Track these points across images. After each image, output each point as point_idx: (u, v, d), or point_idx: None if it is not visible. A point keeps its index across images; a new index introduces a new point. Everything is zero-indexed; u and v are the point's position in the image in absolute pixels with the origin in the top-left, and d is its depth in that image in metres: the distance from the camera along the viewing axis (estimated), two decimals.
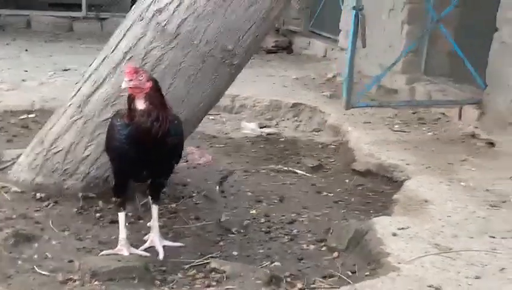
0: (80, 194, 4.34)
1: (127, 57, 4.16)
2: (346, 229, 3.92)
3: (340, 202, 4.69)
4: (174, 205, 4.46)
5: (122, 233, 3.77)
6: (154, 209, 3.88)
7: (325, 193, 4.84)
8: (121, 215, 3.80)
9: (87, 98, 4.28)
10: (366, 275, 3.52)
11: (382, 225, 3.86)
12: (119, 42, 4.22)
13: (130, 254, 3.66)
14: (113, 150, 3.61)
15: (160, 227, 3.97)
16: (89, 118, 4.27)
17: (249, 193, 4.78)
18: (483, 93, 5.86)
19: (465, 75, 6.25)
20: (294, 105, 6.86)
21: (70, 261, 3.58)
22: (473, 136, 5.71)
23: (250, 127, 6.32)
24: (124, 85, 3.37)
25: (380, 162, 5.09)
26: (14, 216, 4.04)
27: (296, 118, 6.75)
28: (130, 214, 4.23)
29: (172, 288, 3.37)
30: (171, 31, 4.04)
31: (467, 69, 5.99)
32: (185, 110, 4.22)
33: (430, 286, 3.18)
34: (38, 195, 4.35)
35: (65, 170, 4.33)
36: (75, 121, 4.30)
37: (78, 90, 4.35)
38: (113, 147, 3.60)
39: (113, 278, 3.29)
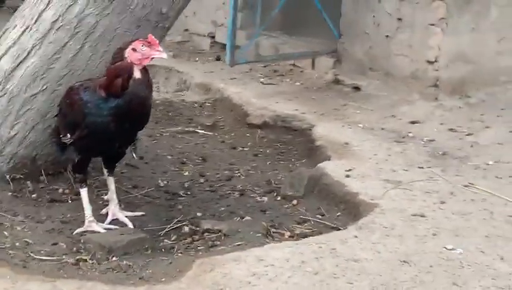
0: (7, 176, 4.06)
1: (56, 27, 3.95)
2: (298, 177, 4.16)
3: (259, 155, 4.90)
4: (104, 177, 4.34)
5: (88, 210, 3.67)
6: (111, 181, 3.81)
7: (240, 148, 5.01)
8: (84, 192, 3.69)
9: (9, 74, 3.99)
10: (338, 216, 3.82)
11: (331, 169, 4.16)
12: (42, 12, 3.97)
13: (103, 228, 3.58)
14: (88, 126, 3.46)
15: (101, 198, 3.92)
16: (14, 94, 4.00)
17: (169, 157, 4.80)
18: (338, 42, 6.35)
19: (299, 29, 6.68)
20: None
21: (55, 243, 3.42)
22: (337, 82, 6.19)
23: None
24: (164, 56, 3.36)
25: (276, 114, 5.36)
26: None
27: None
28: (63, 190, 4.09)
29: (180, 253, 3.37)
30: None
31: (302, 22, 6.39)
32: None
33: (414, 215, 3.56)
34: None
35: None
36: None
37: None
38: (87, 123, 3.46)
39: (128, 251, 3.24)
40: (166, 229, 3.69)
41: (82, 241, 3.34)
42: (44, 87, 3.99)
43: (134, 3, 3.97)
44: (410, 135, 4.98)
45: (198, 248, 3.45)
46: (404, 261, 3.03)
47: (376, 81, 5.97)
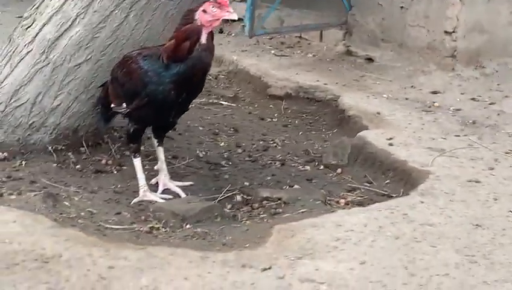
0: (50, 147, 4.01)
1: None
2: (341, 146, 4.19)
3: (289, 126, 4.93)
4: (144, 149, 4.31)
5: (142, 180, 3.65)
6: (161, 151, 3.81)
7: (268, 119, 5.01)
8: (138, 162, 3.67)
9: (53, 43, 3.92)
10: (387, 183, 3.87)
11: (373, 138, 4.20)
12: None
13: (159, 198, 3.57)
14: (148, 95, 3.43)
15: (148, 170, 3.89)
16: (58, 64, 3.93)
17: (200, 128, 4.79)
18: (349, 14, 6.37)
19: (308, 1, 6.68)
20: None
21: (118, 213, 3.40)
22: (350, 54, 6.23)
23: None
24: (235, 16, 3.33)
25: (299, 85, 5.37)
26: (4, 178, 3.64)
27: None
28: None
29: (246, 221, 3.38)
30: None
31: None
32: None
33: (469, 181, 3.62)
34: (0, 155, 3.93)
35: (31, 124, 3.95)
36: (40, 69, 3.92)
37: (36, 34, 3.94)
38: (148, 92, 3.42)
39: (200, 219, 3.24)
40: (220, 198, 3.69)
41: (151, 209, 3.32)
42: (89, 57, 3.93)
43: None
44: (436, 104, 5.05)
45: (261, 215, 3.46)
46: (477, 225, 3.09)
47: (390, 52, 6.02)
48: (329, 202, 3.61)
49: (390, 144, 4.12)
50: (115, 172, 3.96)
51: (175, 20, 4.04)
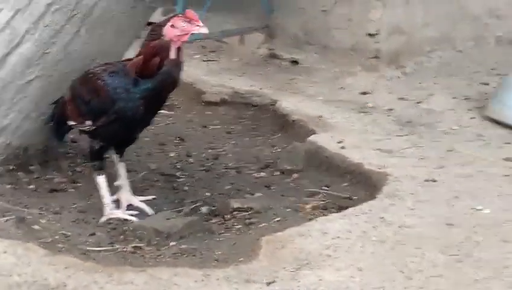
0: (1, 168, 3.87)
1: (52, 9, 3.75)
2: (295, 151, 4.29)
3: (232, 133, 4.96)
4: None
5: (108, 198, 3.61)
6: (122, 166, 3.76)
7: (211, 127, 5.03)
8: (102, 179, 3.61)
9: (1, 60, 3.77)
10: (345, 186, 4.00)
11: (324, 142, 4.31)
12: None
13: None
14: (117, 112, 3.38)
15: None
16: (8, 82, 3.79)
17: (145, 139, 4.69)
18: (270, 18, 6.48)
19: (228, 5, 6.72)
20: None
21: (92, 234, 3.34)
22: (274, 57, 6.34)
23: None
24: (205, 30, 3.32)
25: (234, 90, 5.41)
26: None
27: None
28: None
29: (224, 233, 3.40)
30: None
31: None
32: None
33: (427, 180, 3.81)
34: None
35: None
36: None
37: None
38: (117, 110, 3.38)
39: (183, 235, 3.24)
40: (185, 211, 3.69)
41: (131, 228, 3.28)
42: (39, 73, 3.82)
43: None
44: (370, 105, 5.24)
45: (235, 226, 3.49)
46: (450, 224, 3.27)
47: (314, 55, 6.17)
48: (296, 209, 3.68)
49: (342, 147, 4.25)
50: (71, 190, 3.88)
51: (126, 33, 4.03)
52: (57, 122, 3.80)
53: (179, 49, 3.39)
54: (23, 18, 3.77)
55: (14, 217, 3.28)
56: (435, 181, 3.79)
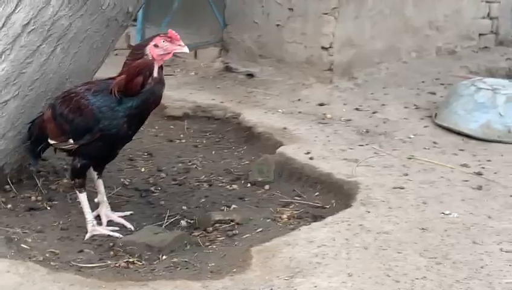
0: None
1: (28, 30, 3.81)
2: (265, 163, 4.43)
3: (198, 146, 5.07)
4: (64, 181, 4.28)
5: (90, 214, 3.68)
6: (101, 183, 3.83)
7: (177, 141, 5.13)
8: (84, 197, 3.68)
9: None
10: (317, 195, 4.17)
11: (292, 153, 4.49)
12: (10, 15, 3.81)
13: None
14: (102, 130, 3.46)
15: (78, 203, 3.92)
16: None
17: None
18: (224, 32, 6.62)
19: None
20: None
21: (80, 251, 3.40)
22: (230, 70, 6.48)
23: None
24: (186, 50, 3.40)
25: (196, 104, 5.53)
26: None
27: None
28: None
29: (211, 245, 3.51)
30: None
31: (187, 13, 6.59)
32: (84, 78, 4.11)
33: (395, 188, 4.02)
34: None
35: None
36: None
37: None
38: (102, 128, 3.45)
39: (173, 249, 3.33)
40: (165, 225, 3.78)
41: (121, 244, 3.35)
42: (16, 93, 3.85)
43: (106, 4, 3.94)
44: (328, 116, 5.44)
45: (219, 238, 3.60)
46: (423, 229, 3.47)
47: (269, 68, 6.35)
48: (275, 219, 3.83)
49: (311, 158, 4.42)
50: (48, 208, 3.92)
51: (98, 52, 4.10)
52: (34, 141, 3.83)
53: (160, 68, 3.49)
54: None
55: (3, 236, 3.29)
56: (402, 188, 4.00)
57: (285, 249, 3.19)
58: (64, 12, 3.84)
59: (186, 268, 3.16)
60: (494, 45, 8.49)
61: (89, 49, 4.02)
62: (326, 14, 6.01)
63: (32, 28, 3.81)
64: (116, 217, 3.80)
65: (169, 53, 3.47)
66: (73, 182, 3.69)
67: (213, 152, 4.94)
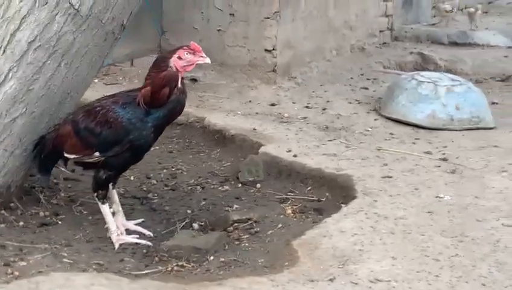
0: None
1: (34, 47, 3.81)
2: (253, 163, 4.65)
3: (173, 151, 5.19)
4: (62, 195, 4.31)
5: (113, 224, 3.77)
6: (114, 193, 3.92)
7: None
8: (107, 208, 3.77)
9: None
10: (309, 190, 4.46)
11: (276, 152, 4.75)
12: (15, 32, 3.80)
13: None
14: (132, 141, 3.56)
15: (87, 215, 4.03)
16: None
17: None
18: (161, 39, 6.75)
19: None
20: None
21: (121, 260, 3.49)
22: None
23: None
24: (208, 60, 3.57)
25: None
26: None
27: None
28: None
29: (240, 245, 3.71)
30: (84, 12, 3.90)
31: None
32: (82, 92, 4.19)
33: (384, 177, 4.37)
34: None
35: None
36: None
37: None
38: (132, 139, 3.56)
39: (217, 250, 3.52)
40: (179, 229, 3.92)
41: (166, 249, 3.46)
42: (24, 110, 3.84)
43: (106, 18, 4.01)
44: (286, 115, 5.72)
45: (242, 236, 3.80)
46: (429, 212, 3.85)
47: (211, 72, 6.53)
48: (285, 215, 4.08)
49: (295, 156, 4.69)
50: (59, 223, 3.95)
51: (96, 65, 4.17)
52: (46, 156, 3.85)
53: (182, 78, 3.65)
54: (4, 56, 3.78)
55: (49, 253, 3.33)
56: (390, 177, 4.37)
57: (324, 241, 3.45)
58: (69, 28, 3.87)
59: (239, 266, 3.34)
60: (390, 40, 9.09)
61: (88, 62, 4.06)
62: (268, 18, 6.28)
63: (38, 44, 3.81)
64: (132, 225, 3.90)
65: (192, 64, 3.63)
66: (96, 193, 3.75)
67: (190, 156, 5.09)
